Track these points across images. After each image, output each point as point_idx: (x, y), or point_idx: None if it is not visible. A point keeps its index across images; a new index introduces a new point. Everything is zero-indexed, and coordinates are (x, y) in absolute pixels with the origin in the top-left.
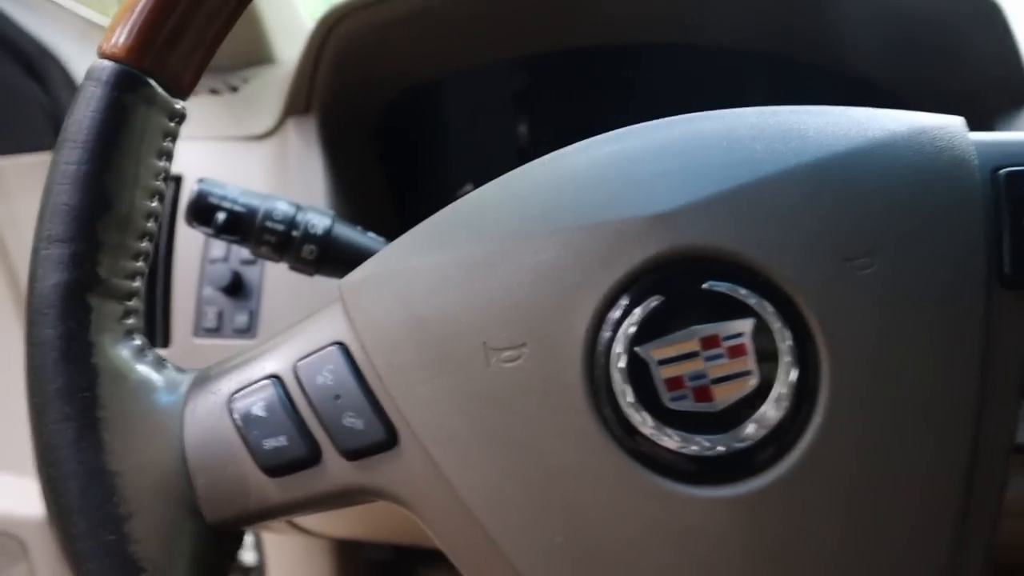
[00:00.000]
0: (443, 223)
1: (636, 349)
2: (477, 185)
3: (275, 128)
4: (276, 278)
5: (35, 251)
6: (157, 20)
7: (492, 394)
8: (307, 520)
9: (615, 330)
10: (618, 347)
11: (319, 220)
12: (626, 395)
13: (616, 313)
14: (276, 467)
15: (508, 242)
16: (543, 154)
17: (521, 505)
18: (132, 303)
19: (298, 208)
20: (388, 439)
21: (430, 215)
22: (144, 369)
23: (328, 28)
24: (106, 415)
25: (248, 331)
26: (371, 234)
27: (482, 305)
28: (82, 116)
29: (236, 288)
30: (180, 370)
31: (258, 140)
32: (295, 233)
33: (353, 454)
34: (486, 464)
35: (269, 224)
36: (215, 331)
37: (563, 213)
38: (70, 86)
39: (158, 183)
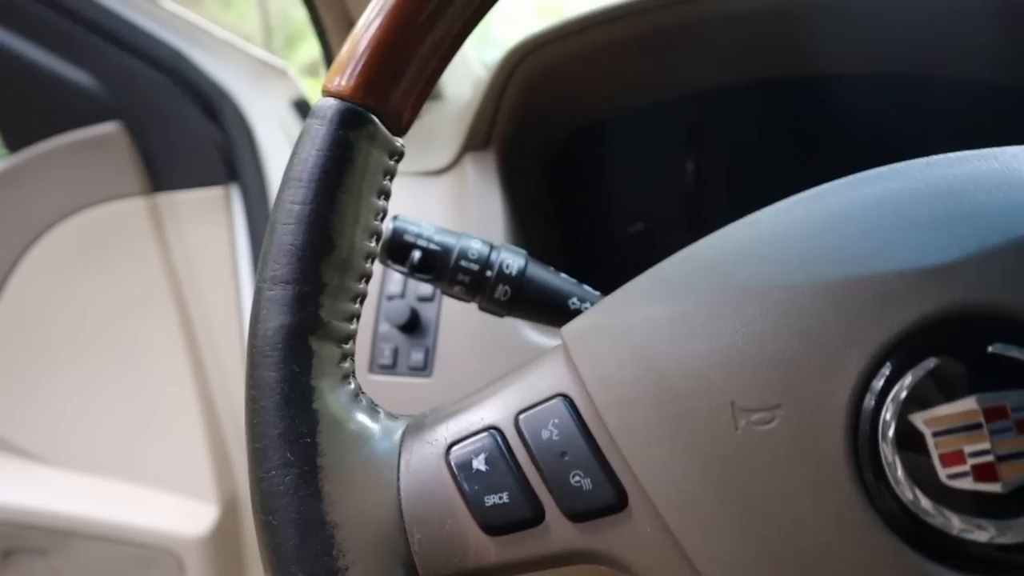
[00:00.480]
0: (682, 269)
1: (908, 417)
2: (647, 224)
3: (453, 163)
4: (453, 316)
5: (258, 291)
6: (382, 57)
7: (739, 459)
8: None
9: (884, 395)
10: (887, 414)
11: (513, 260)
12: (896, 469)
13: (884, 376)
14: (497, 526)
15: (761, 292)
16: (711, 192)
17: None
18: (348, 346)
19: (492, 247)
20: (617, 501)
21: (599, 253)
22: (360, 416)
23: (513, 65)
24: (325, 463)
25: (423, 369)
26: (564, 275)
27: (731, 360)
28: (307, 155)
29: (412, 325)
30: (392, 416)
31: (436, 175)
32: (489, 273)
33: (579, 516)
34: (729, 536)
35: (464, 263)
36: (390, 368)
37: (825, 262)
38: (242, 124)
39: (377, 222)
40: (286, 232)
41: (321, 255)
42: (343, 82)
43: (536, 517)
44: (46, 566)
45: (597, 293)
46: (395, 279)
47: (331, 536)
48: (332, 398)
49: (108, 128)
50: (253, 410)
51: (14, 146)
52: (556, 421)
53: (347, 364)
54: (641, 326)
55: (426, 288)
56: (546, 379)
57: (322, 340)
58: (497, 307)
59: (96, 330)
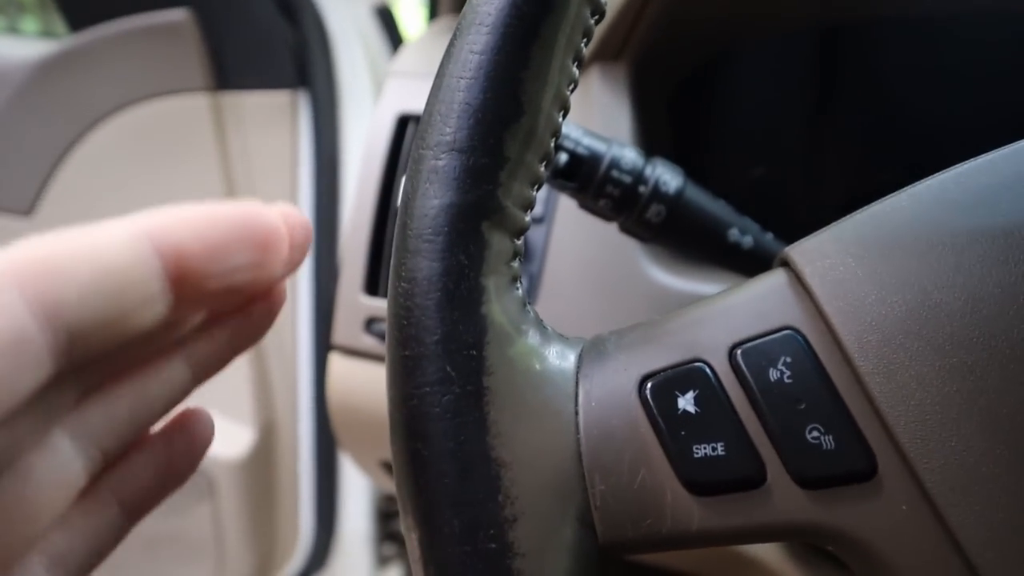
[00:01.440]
0: (971, 183)
1: None
2: (769, 168)
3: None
4: (564, 243)
5: (418, 160)
6: None
7: None
8: None
9: None
10: None
11: (672, 177)
12: None
13: None
14: (706, 484)
15: None
16: (836, 134)
17: None
18: (520, 242)
19: (647, 160)
20: (866, 468)
21: (717, 192)
22: (531, 330)
23: None
24: (492, 384)
25: (527, 298)
26: (723, 202)
27: None
28: None
29: None
30: (561, 335)
31: None
32: (642, 188)
33: (812, 482)
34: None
35: (615, 174)
36: None
37: None
38: (319, 27)
39: (568, 94)
40: (463, 88)
41: (506, 121)
42: None
43: (757, 477)
44: None
45: (759, 227)
46: None
47: (498, 477)
48: (501, 303)
49: (176, 15)
50: (405, 308)
51: (76, 25)
52: (788, 360)
53: (516, 263)
54: (917, 250)
55: (536, 209)
56: (771, 307)
57: (497, 229)
58: (645, 230)
59: None
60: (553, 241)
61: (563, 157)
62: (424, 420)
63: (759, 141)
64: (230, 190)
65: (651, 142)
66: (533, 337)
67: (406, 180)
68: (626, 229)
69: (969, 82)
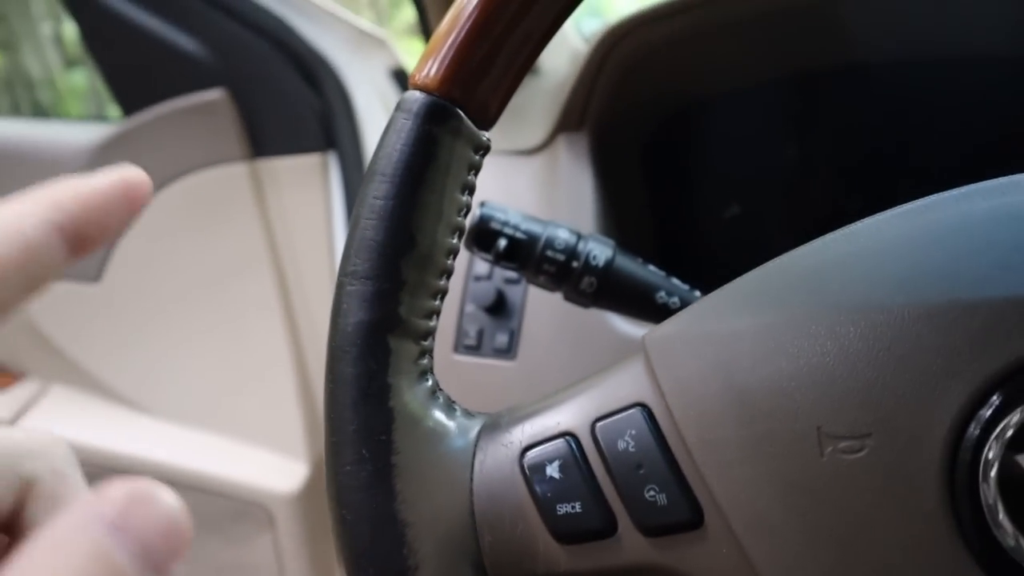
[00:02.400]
0: (772, 280)
1: (1017, 458)
2: (744, 207)
3: (545, 143)
4: (539, 300)
5: (339, 286)
6: (470, 49)
7: (824, 487)
8: None
9: (987, 432)
10: (990, 452)
11: (600, 251)
12: (997, 512)
13: (989, 411)
14: (568, 534)
15: (856, 312)
16: (813, 178)
17: None
18: (427, 343)
19: (579, 237)
20: (693, 519)
21: (694, 239)
22: (437, 413)
23: (611, 44)
24: (399, 461)
25: (508, 352)
26: (652, 267)
27: (819, 383)
28: (392, 149)
29: (498, 307)
30: (469, 414)
31: (527, 155)
32: (575, 264)
33: (652, 531)
34: (809, 566)
35: (550, 253)
36: (475, 349)
37: (929, 283)
38: (341, 92)
39: (460, 219)
40: (368, 227)
41: (402, 252)
42: (430, 74)
43: (608, 529)
44: None
45: (686, 287)
46: (483, 261)
47: (402, 534)
48: (409, 395)
49: (214, 95)
50: (331, 404)
51: (128, 110)
52: (633, 432)
53: (425, 361)
54: (726, 338)
55: (513, 273)
56: (625, 387)
57: (400, 337)
58: (582, 298)
59: (198, 288)
60: (529, 300)
61: (503, 243)
62: (347, 492)
63: (734, 181)
64: (272, 245)
65: (623, 197)
66: (438, 419)
67: (333, 300)
68: (568, 298)
69: (937, 121)
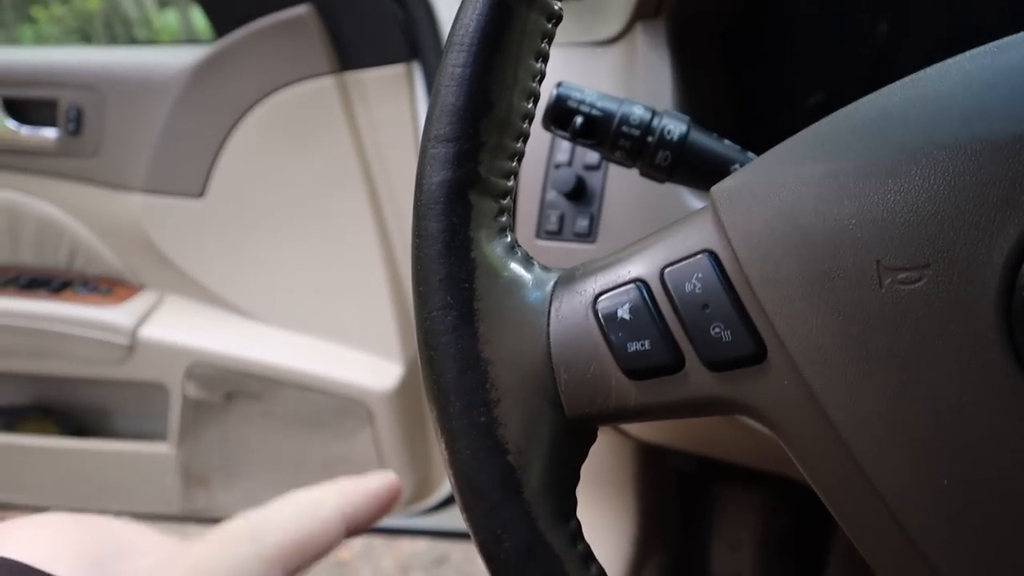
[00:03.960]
0: (837, 129)
1: None
2: (828, 95)
3: (623, 32)
4: (618, 184)
5: (423, 149)
6: None
7: (882, 317)
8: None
9: None
10: None
11: (675, 126)
12: None
13: None
14: (638, 370)
15: (919, 151)
16: (904, 59)
17: (904, 439)
18: (506, 202)
19: (654, 113)
20: (757, 352)
21: (777, 124)
22: (515, 266)
23: None
24: (481, 306)
25: (588, 236)
26: (727, 142)
27: (880, 219)
28: (468, 20)
29: (579, 193)
30: (545, 268)
31: (605, 45)
32: (650, 139)
33: (718, 365)
34: (867, 391)
35: (625, 129)
36: (556, 234)
37: (992, 119)
38: (424, 2)
39: (535, 84)
40: (448, 94)
41: (480, 115)
42: None
43: (676, 364)
44: (260, 408)
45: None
46: (563, 148)
47: (485, 371)
48: (489, 248)
49: (300, 10)
50: (418, 257)
51: (221, 31)
52: (700, 275)
53: (504, 218)
54: (790, 184)
55: (592, 156)
56: (693, 235)
57: (481, 194)
58: (658, 172)
59: (295, 202)
60: (608, 185)
61: (579, 120)
62: (434, 335)
63: (819, 68)
64: (362, 155)
65: (704, 87)
66: (517, 271)
67: (418, 163)
68: (644, 174)
69: None
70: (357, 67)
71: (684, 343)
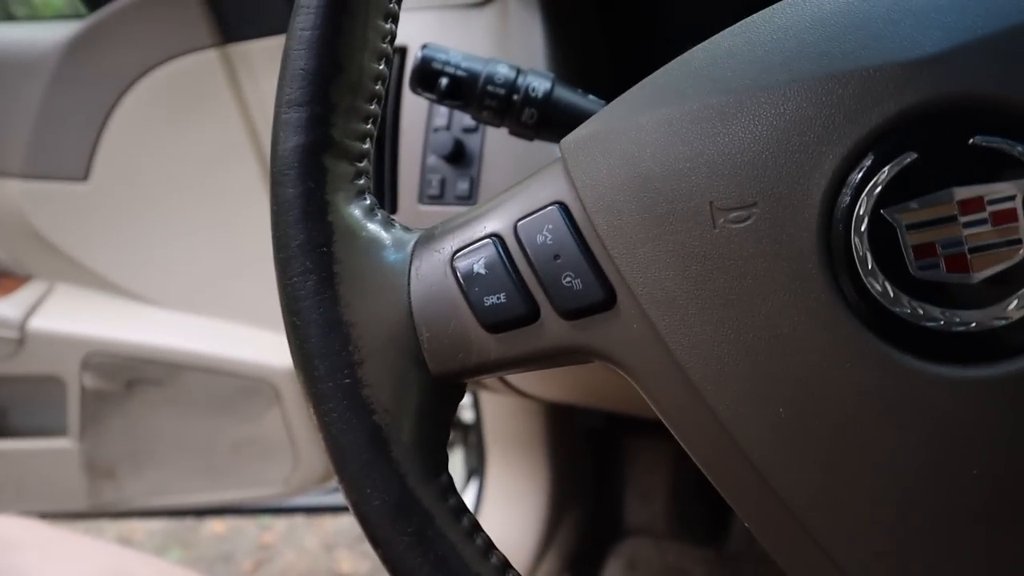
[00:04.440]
0: (672, 76)
1: (882, 211)
2: None
3: None
4: (496, 145)
5: (276, 116)
6: None
7: (717, 256)
8: (524, 383)
9: (859, 191)
10: (861, 209)
11: (539, 83)
12: (867, 262)
13: (860, 172)
14: (496, 324)
15: (744, 94)
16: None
17: (743, 373)
18: (362, 164)
19: (518, 72)
20: (606, 299)
21: None
22: (374, 227)
23: None
24: (340, 270)
25: (469, 198)
26: (592, 96)
27: (712, 162)
28: None
29: (458, 156)
30: (407, 229)
31: (478, 7)
32: (515, 97)
33: (571, 314)
34: (707, 329)
35: (490, 88)
36: (438, 198)
37: (808, 61)
38: None
39: (385, 45)
40: (298, 58)
41: (330, 78)
42: None
43: (531, 315)
44: (163, 395)
45: None
46: (441, 112)
47: (347, 334)
48: (346, 211)
49: None
50: (276, 224)
51: (93, 5)
52: (550, 227)
53: (361, 181)
54: (631, 132)
55: (470, 120)
56: (544, 189)
57: (335, 158)
58: (525, 130)
59: (185, 180)
60: (486, 147)
61: (444, 81)
62: (296, 300)
63: (692, 20)
64: (251, 129)
65: (578, 46)
66: (375, 232)
67: (272, 130)
68: (513, 132)
69: None
70: (241, 39)
71: (539, 294)
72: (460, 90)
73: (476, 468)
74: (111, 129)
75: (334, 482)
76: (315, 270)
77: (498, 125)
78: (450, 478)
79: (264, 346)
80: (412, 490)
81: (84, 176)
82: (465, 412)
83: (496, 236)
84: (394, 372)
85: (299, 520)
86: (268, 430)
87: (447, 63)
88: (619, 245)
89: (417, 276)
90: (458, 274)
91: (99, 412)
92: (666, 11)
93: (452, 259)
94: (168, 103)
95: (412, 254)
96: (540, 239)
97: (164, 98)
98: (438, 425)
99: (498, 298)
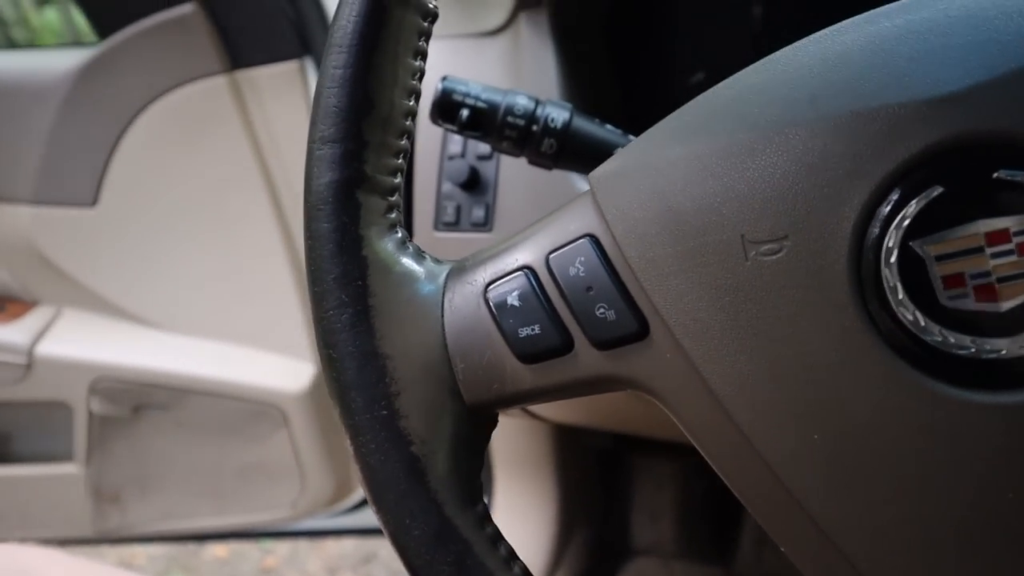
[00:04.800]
0: (700, 112)
1: (911, 244)
2: (708, 74)
3: (507, 23)
4: (511, 172)
5: (309, 152)
6: None
7: (749, 288)
8: (535, 406)
9: (887, 223)
10: (890, 241)
11: (558, 114)
12: (897, 292)
13: (889, 205)
14: (530, 354)
15: (771, 130)
16: (780, 40)
17: (776, 401)
18: (394, 198)
19: (537, 102)
20: (640, 330)
21: (661, 106)
22: (407, 260)
23: None
24: (375, 303)
25: (484, 224)
26: (609, 126)
27: (742, 196)
28: (345, 21)
29: (473, 183)
30: (437, 261)
31: (490, 36)
32: (535, 128)
33: (605, 344)
34: (741, 358)
35: (510, 119)
36: (454, 225)
37: (835, 97)
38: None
39: (415, 82)
40: (330, 95)
41: (362, 115)
42: None
43: (565, 346)
44: (170, 419)
45: None
46: (455, 140)
47: (383, 366)
48: (380, 245)
49: (185, 9)
50: (311, 258)
51: (104, 33)
52: (582, 259)
53: (393, 215)
54: (660, 167)
55: (485, 147)
56: (574, 221)
57: (368, 192)
58: (544, 160)
59: (193, 205)
60: (501, 174)
61: (465, 112)
62: (331, 334)
63: (700, 47)
64: (259, 154)
65: (588, 72)
66: (409, 265)
67: (305, 166)
68: (532, 162)
69: None
70: (248, 65)
71: (572, 325)
72: (480, 121)
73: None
74: (120, 155)
75: (338, 506)
76: (351, 303)
77: (517, 155)
78: (485, 507)
79: (271, 370)
80: (450, 519)
81: (93, 202)
82: None
83: (528, 268)
84: (430, 403)
85: (302, 544)
86: (275, 454)
87: (467, 95)
88: (652, 277)
89: (451, 308)
90: (492, 306)
91: (106, 437)
92: (672, 38)
93: (485, 291)
94: (177, 129)
95: (445, 286)
96: (572, 271)
97: (173, 124)
98: (473, 454)
99: (532, 329)
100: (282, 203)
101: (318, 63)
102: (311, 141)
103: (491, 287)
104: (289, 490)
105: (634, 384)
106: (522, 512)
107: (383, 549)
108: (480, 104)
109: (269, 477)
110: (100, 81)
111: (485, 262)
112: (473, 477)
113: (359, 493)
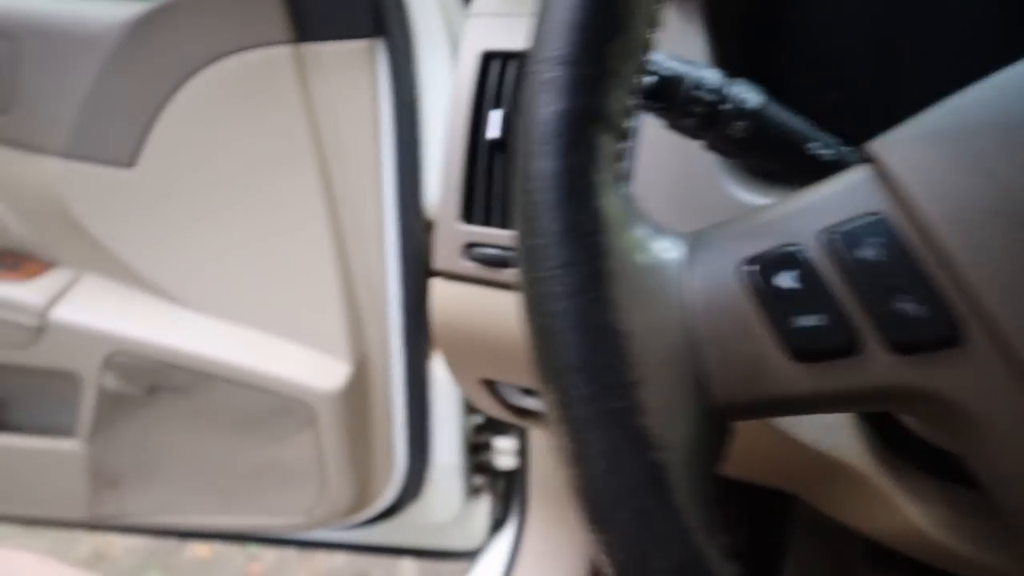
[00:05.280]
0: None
1: None
2: (844, 94)
3: None
4: (648, 161)
5: (531, 75)
6: None
7: None
8: None
9: None
10: None
11: (751, 95)
12: None
13: None
14: (809, 351)
15: None
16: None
17: None
18: (628, 144)
19: (728, 80)
20: (953, 333)
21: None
22: (638, 222)
23: None
24: (613, 266)
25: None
26: (802, 118)
27: None
28: None
29: None
30: (668, 229)
31: None
32: (724, 106)
33: (904, 347)
34: None
35: (699, 93)
36: None
37: None
38: None
39: (658, 8)
40: (567, 8)
41: (608, 37)
42: None
43: (853, 344)
44: (186, 405)
45: (839, 142)
46: None
47: (622, 346)
48: (614, 197)
49: None
50: (525, 204)
51: None
52: (874, 240)
53: (625, 165)
54: (984, 132)
55: None
56: (854, 196)
57: (605, 132)
58: (730, 145)
59: (237, 179)
60: (639, 161)
61: (650, 79)
62: (552, 299)
63: (834, 66)
64: (315, 135)
65: (731, 62)
66: (641, 229)
67: (522, 92)
68: (712, 146)
69: None
70: (316, 39)
71: (862, 320)
72: (665, 92)
73: (501, 519)
74: (166, 117)
75: (352, 518)
76: (581, 263)
77: (698, 137)
78: (728, 538)
79: (302, 364)
80: (700, 550)
81: (130, 162)
82: (502, 457)
83: (799, 245)
84: (675, 399)
85: (290, 553)
86: (296, 455)
87: (652, 61)
88: (978, 268)
89: (698, 285)
90: (755, 288)
91: (114, 416)
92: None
93: (748, 269)
94: (230, 97)
95: (688, 256)
96: (861, 254)
97: (227, 91)
98: (714, 469)
99: (811, 320)
100: (334, 189)
101: (391, 46)
102: (535, 62)
103: (752, 264)
104: (306, 496)
105: (943, 402)
106: (555, 546)
107: (376, 569)
108: (664, 72)
109: (286, 479)
110: (155, 36)
111: (740, 235)
112: (715, 498)
113: (374, 507)
